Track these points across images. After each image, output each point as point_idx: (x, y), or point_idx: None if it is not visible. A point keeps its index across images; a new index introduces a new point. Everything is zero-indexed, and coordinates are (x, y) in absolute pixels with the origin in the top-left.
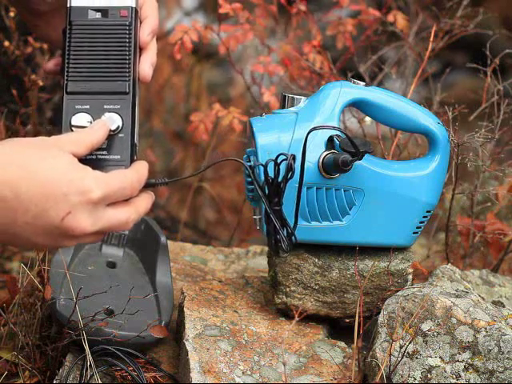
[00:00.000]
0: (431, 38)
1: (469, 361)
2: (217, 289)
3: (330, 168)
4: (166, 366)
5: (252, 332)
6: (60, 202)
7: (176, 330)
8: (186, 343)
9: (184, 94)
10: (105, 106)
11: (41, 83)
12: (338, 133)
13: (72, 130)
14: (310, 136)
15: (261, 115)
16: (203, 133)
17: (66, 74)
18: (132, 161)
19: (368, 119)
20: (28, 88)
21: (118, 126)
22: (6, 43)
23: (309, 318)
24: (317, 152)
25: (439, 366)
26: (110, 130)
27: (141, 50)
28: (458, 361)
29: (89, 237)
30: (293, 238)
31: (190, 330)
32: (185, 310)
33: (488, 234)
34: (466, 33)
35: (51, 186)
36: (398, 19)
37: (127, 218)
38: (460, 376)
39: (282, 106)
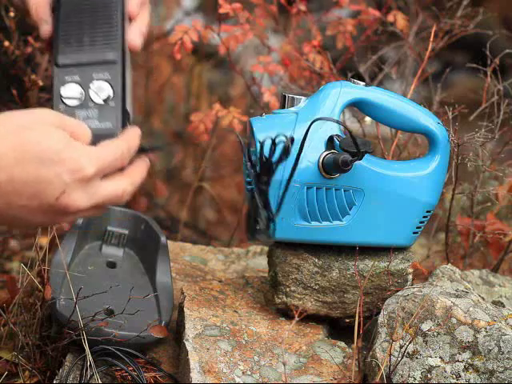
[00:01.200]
0: (431, 38)
1: (469, 361)
2: (217, 289)
3: (330, 168)
4: (166, 366)
5: (252, 332)
6: (54, 183)
7: (176, 330)
8: (186, 343)
9: (184, 94)
10: (94, 76)
11: (41, 83)
12: (337, 132)
13: (62, 102)
14: (309, 136)
15: (261, 115)
16: (203, 133)
17: (55, 46)
18: (124, 128)
19: (368, 119)
20: (28, 88)
21: (109, 95)
22: (6, 43)
23: (309, 318)
24: (317, 152)
25: (439, 366)
26: (101, 99)
27: (132, 19)
28: (457, 361)
29: (85, 212)
30: (271, 226)
31: (190, 330)
32: (185, 310)
33: (488, 234)
34: (465, 33)
35: (44, 166)
36: (398, 19)
37: (122, 191)
38: (460, 376)
39: (282, 106)
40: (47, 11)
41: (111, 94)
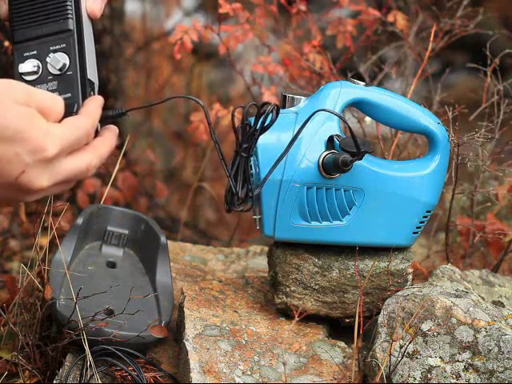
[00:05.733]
0: (431, 38)
1: (469, 361)
2: (217, 289)
3: (330, 168)
4: (166, 366)
5: (252, 332)
6: (13, 162)
7: (176, 330)
8: (186, 343)
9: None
10: (51, 48)
11: None
12: (337, 131)
13: (22, 79)
14: (309, 136)
15: None
16: (203, 133)
17: (11, 24)
18: (84, 98)
19: (368, 119)
20: None
21: (64, 64)
22: (6, 43)
23: (309, 318)
24: (317, 152)
25: (439, 366)
26: (57, 69)
27: None
28: (457, 361)
29: (50, 190)
30: (249, 197)
31: (190, 330)
32: (185, 310)
33: (488, 234)
34: (466, 33)
35: (3, 145)
36: (398, 19)
37: (87, 165)
38: (460, 376)
39: (282, 106)
40: None
41: (67, 63)
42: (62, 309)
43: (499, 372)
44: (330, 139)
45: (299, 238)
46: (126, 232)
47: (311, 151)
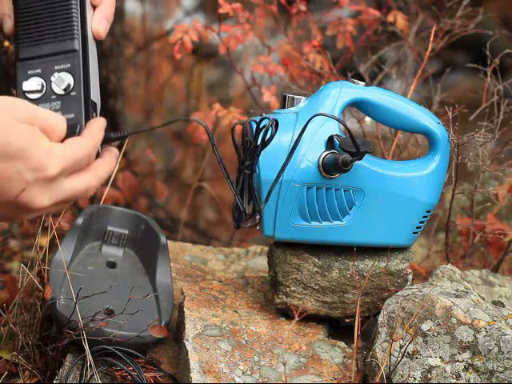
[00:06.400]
0: (431, 38)
1: (469, 361)
2: (217, 289)
3: (330, 168)
4: (166, 366)
5: (252, 332)
6: (14, 180)
7: (176, 330)
8: (186, 343)
9: (184, 93)
10: (56, 67)
11: None
12: (337, 131)
13: (26, 97)
14: (309, 136)
15: (261, 115)
16: (203, 133)
17: (16, 41)
18: (87, 119)
19: (368, 119)
20: None
21: (69, 84)
22: (6, 43)
23: (309, 318)
24: (317, 152)
25: (439, 366)
26: (61, 89)
27: (96, 5)
28: (457, 361)
29: (48, 209)
30: (257, 216)
31: (190, 330)
32: (185, 310)
33: (488, 234)
34: (465, 33)
35: (4, 162)
36: (398, 19)
37: (87, 187)
38: (460, 376)
39: (282, 106)
40: (11, 6)
41: (71, 83)
42: (62, 309)
43: (499, 372)
44: (330, 139)
45: (299, 238)
46: (126, 232)
47: (311, 151)
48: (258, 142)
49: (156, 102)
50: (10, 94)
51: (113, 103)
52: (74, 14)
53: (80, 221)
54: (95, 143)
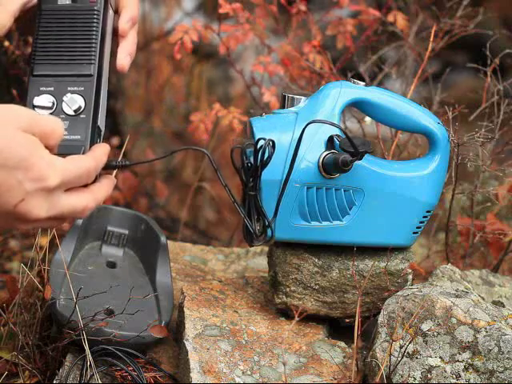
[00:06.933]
0: (431, 38)
1: (469, 361)
2: (217, 289)
3: (330, 168)
4: (166, 366)
5: (252, 332)
6: (14, 189)
7: (176, 330)
8: (186, 343)
9: (184, 93)
10: (69, 88)
11: None
12: (337, 132)
13: (34, 111)
14: (309, 136)
15: (261, 115)
16: (203, 133)
17: (33, 57)
18: (92, 143)
19: (368, 119)
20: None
21: (80, 107)
22: (6, 43)
23: (309, 318)
24: (317, 152)
25: (439, 366)
26: (72, 110)
27: (121, 38)
28: (457, 361)
29: (44, 222)
30: (268, 231)
31: (190, 330)
32: (185, 310)
33: (488, 234)
34: (465, 33)
35: (5, 172)
36: (398, 19)
37: (84, 206)
38: (460, 376)
39: (282, 106)
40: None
41: (82, 106)
42: (62, 309)
43: (499, 372)
44: (330, 139)
45: (299, 238)
46: (126, 232)
47: (311, 151)
48: (258, 163)
49: (156, 101)
50: (11, 94)
51: (113, 103)
52: (94, 40)
53: (80, 221)
54: (97, 164)
